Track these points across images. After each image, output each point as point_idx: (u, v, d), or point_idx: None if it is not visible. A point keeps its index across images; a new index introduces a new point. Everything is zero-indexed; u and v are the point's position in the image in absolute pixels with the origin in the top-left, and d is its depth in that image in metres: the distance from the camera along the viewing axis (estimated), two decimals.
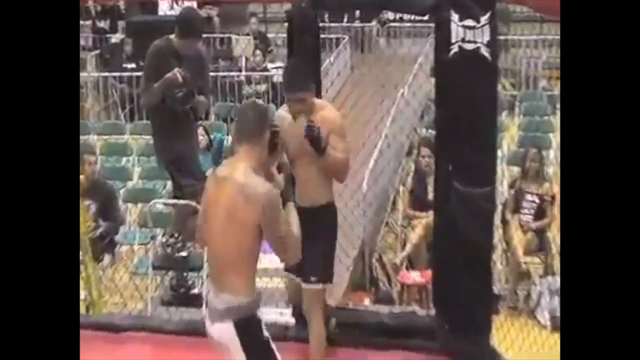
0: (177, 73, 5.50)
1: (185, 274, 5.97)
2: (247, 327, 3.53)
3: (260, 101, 4.40)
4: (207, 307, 3.69)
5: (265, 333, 3.56)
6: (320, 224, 4.44)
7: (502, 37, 10.98)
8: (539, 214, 7.21)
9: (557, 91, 11.20)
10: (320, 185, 4.48)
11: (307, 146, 4.34)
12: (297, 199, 4.26)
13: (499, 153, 8.39)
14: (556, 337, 6.15)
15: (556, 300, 6.66)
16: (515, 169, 8.00)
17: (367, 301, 6.51)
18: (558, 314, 6.56)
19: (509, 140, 9.33)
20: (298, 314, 4.83)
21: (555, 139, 9.21)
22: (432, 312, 4.85)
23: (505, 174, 8.46)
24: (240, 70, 12.24)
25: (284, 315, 5.05)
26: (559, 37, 12.70)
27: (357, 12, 13.69)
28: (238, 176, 3.53)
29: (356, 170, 4.87)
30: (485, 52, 4.57)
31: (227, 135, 9.31)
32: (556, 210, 7.08)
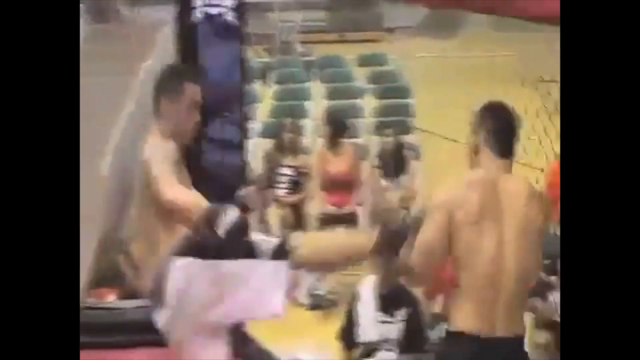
0: None
1: None
2: None
3: None
4: None
5: None
6: None
7: (251, 1, 11.07)
8: (295, 188, 7.38)
9: (314, 56, 11.47)
10: None
11: None
12: None
13: (252, 125, 8.50)
14: (311, 314, 6.39)
15: (312, 276, 6.86)
16: (271, 142, 8.10)
17: (111, 297, 6.39)
18: (316, 291, 6.78)
19: (263, 111, 9.46)
20: None
21: (314, 107, 9.39)
22: None
23: (258, 147, 8.59)
24: None
25: None
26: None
27: None
28: None
29: (93, 153, 4.76)
30: (231, 16, 4.61)
31: None
32: (313, 183, 7.28)
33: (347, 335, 5.22)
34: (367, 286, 5.18)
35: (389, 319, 5.06)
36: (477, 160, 3.30)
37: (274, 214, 7.18)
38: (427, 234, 3.19)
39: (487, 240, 3.18)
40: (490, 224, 3.19)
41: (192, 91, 3.50)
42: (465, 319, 3.20)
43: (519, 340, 3.22)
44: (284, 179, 7.39)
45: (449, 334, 3.26)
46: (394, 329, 5.05)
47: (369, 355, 5.11)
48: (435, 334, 4.99)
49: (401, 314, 5.06)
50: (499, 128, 3.32)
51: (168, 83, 3.52)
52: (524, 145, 3.31)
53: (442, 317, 5.27)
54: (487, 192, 3.24)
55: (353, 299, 5.26)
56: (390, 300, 5.08)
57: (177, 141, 3.44)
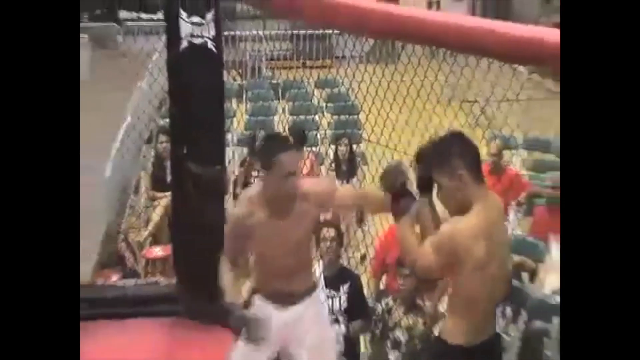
0: None
1: None
2: None
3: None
4: None
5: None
6: None
7: (228, 33, 11.13)
8: None
9: (279, 80, 11.53)
10: None
11: None
12: None
13: (229, 136, 8.55)
14: None
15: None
16: (245, 150, 8.19)
17: (115, 277, 6.40)
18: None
19: (238, 124, 9.54)
20: None
21: (280, 121, 9.47)
22: (174, 281, 4.88)
23: (235, 154, 8.66)
24: None
25: None
26: (279, 31, 13.15)
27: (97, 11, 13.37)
28: None
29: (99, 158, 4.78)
30: (211, 45, 4.64)
31: None
32: None
33: None
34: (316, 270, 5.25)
35: (335, 294, 5.12)
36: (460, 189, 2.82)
37: None
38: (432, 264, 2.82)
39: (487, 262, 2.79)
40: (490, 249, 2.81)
41: (287, 162, 3.15)
42: (458, 332, 2.88)
43: (497, 337, 3.03)
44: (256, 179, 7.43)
45: (443, 344, 2.93)
46: (339, 301, 5.11)
47: None
48: (381, 306, 5.06)
49: (344, 288, 5.11)
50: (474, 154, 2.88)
51: (263, 155, 3.25)
52: None
53: (385, 293, 5.34)
54: (488, 232, 2.80)
55: None
56: (336, 278, 5.14)
57: (273, 207, 3.26)
